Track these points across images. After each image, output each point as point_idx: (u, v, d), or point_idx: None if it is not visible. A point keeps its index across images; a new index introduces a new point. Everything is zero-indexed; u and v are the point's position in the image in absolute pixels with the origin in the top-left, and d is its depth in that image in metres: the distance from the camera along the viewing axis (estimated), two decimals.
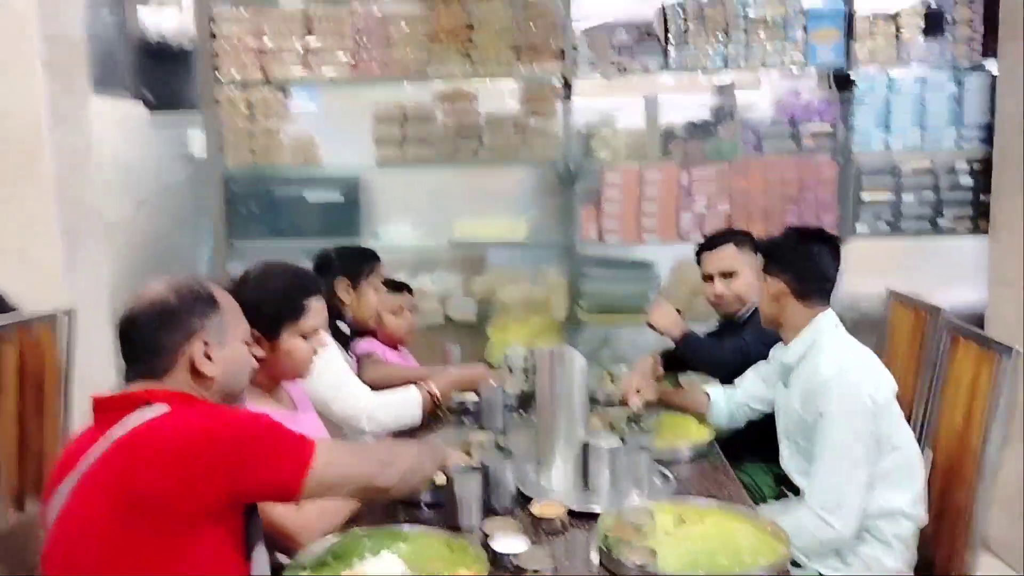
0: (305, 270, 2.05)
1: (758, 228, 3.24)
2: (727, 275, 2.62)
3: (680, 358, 2.74)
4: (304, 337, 1.87)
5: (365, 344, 2.73)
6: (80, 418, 2.79)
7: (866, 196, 3.59)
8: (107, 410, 1.38)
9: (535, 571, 1.44)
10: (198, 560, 1.32)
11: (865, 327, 3.23)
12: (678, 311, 2.68)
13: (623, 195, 3.62)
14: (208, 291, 1.49)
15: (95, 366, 3.01)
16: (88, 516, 1.31)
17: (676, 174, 3.61)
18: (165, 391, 1.40)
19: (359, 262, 2.59)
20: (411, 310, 2.91)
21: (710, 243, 2.69)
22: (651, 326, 2.67)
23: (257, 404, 1.77)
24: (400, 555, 1.55)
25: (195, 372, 1.44)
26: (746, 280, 2.59)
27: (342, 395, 2.19)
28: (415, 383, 2.41)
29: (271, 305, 1.84)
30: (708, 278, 2.66)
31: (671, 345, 2.80)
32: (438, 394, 2.41)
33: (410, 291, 2.94)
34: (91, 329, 3.05)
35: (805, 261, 2.11)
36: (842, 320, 2.16)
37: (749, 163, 3.59)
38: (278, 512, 1.60)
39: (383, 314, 2.77)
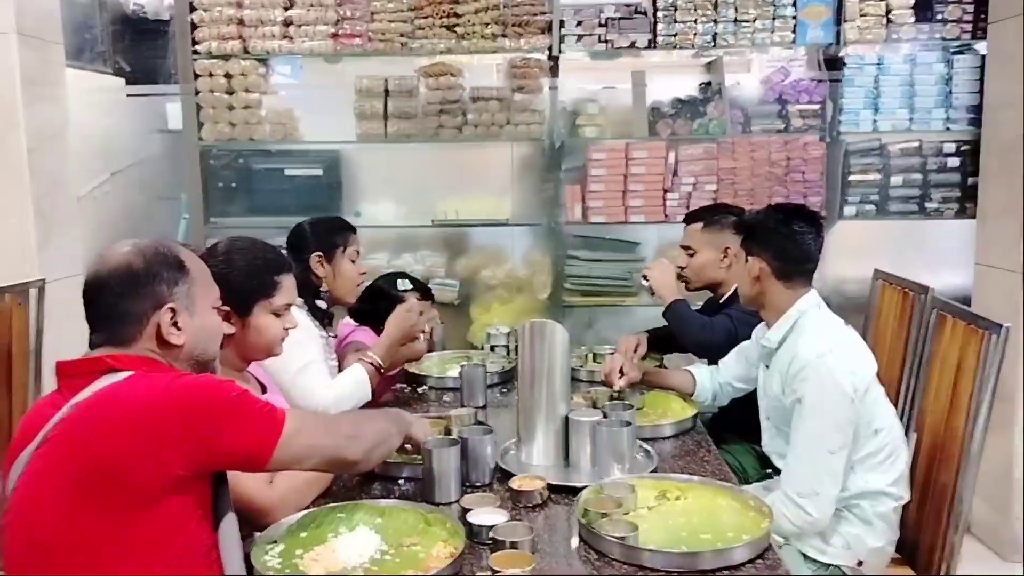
0: (274, 247, 1.99)
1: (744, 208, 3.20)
2: (688, 250, 2.67)
3: (664, 337, 2.71)
4: (276, 315, 1.82)
5: (359, 334, 2.63)
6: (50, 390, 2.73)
7: (854, 177, 3.56)
8: (71, 376, 1.34)
9: (513, 544, 1.40)
10: (163, 529, 1.27)
11: (851, 310, 3.20)
12: (680, 279, 2.66)
13: (609, 173, 3.58)
14: (176, 255, 1.42)
15: (68, 339, 2.94)
16: (49, 483, 1.26)
17: (663, 152, 3.57)
18: (131, 356, 1.35)
19: (332, 235, 2.50)
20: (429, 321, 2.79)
21: (687, 216, 2.77)
22: (645, 279, 2.67)
23: None
24: (376, 530, 1.51)
25: (161, 340, 1.38)
26: (702, 259, 2.64)
27: (304, 386, 2.10)
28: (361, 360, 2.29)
29: (242, 281, 1.78)
30: (682, 248, 2.72)
31: (657, 325, 2.77)
32: (379, 361, 2.27)
33: (432, 298, 2.86)
34: (64, 303, 2.99)
35: (787, 241, 2.04)
36: (829, 303, 2.12)
37: (737, 142, 3.55)
38: (249, 486, 1.55)
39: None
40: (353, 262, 2.51)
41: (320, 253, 2.43)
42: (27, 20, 3.04)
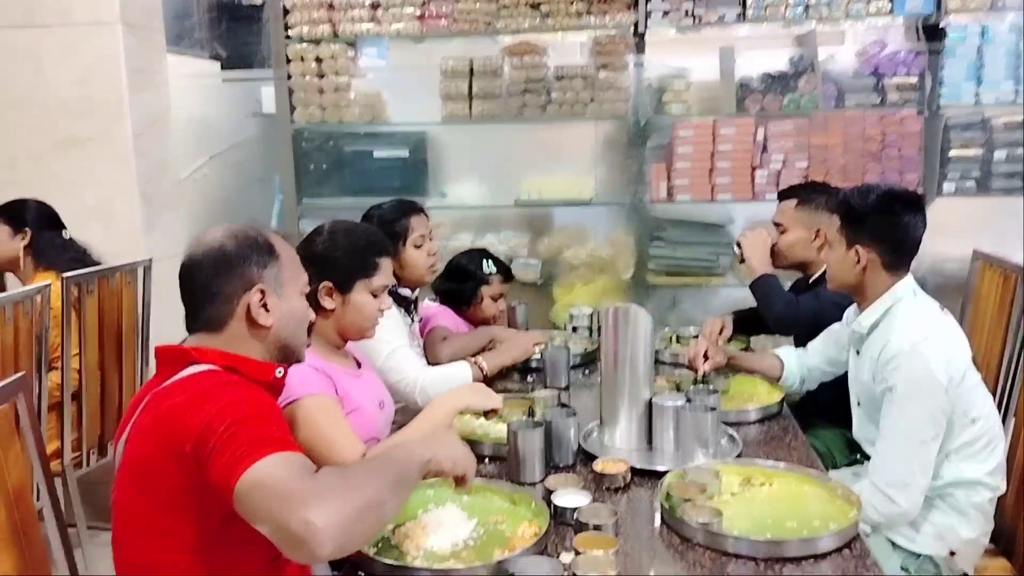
0: (375, 229, 2.07)
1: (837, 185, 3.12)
2: (779, 227, 2.60)
3: (750, 319, 2.68)
4: (373, 295, 1.88)
5: (440, 316, 2.68)
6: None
7: (954, 153, 3.41)
8: (162, 363, 1.39)
9: (596, 526, 1.43)
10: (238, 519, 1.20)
11: (950, 291, 3.09)
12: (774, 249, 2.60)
13: (695, 151, 3.52)
14: (266, 239, 1.46)
15: (171, 316, 3.09)
16: (137, 463, 1.32)
17: (752, 129, 3.49)
18: (215, 352, 1.37)
19: (391, 227, 2.35)
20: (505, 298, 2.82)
21: (780, 193, 2.69)
22: (738, 246, 2.64)
23: (324, 360, 1.80)
24: (462, 507, 1.56)
25: (251, 321, 1.41)
26: (793, 237, 2.56)
27: (397, 367, 2.18)
28: (466, 359, 2.38)
29: (344, 260, 1.86)
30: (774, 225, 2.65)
31: (743, 307, 2.74)
32: (487, 370, 2.36)
33: (512, 279, 2.88)
34: (168, 281, 3.14)
35: (900, 232, 1.95)
36: (925, 284, 2.04)
37: (829, 117, 3.45)
38: (342, 460, 1.61)
39: (484, 296, 2.74)
40: (418, 247, 2.42)
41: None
42: (131, 10, 3.19)
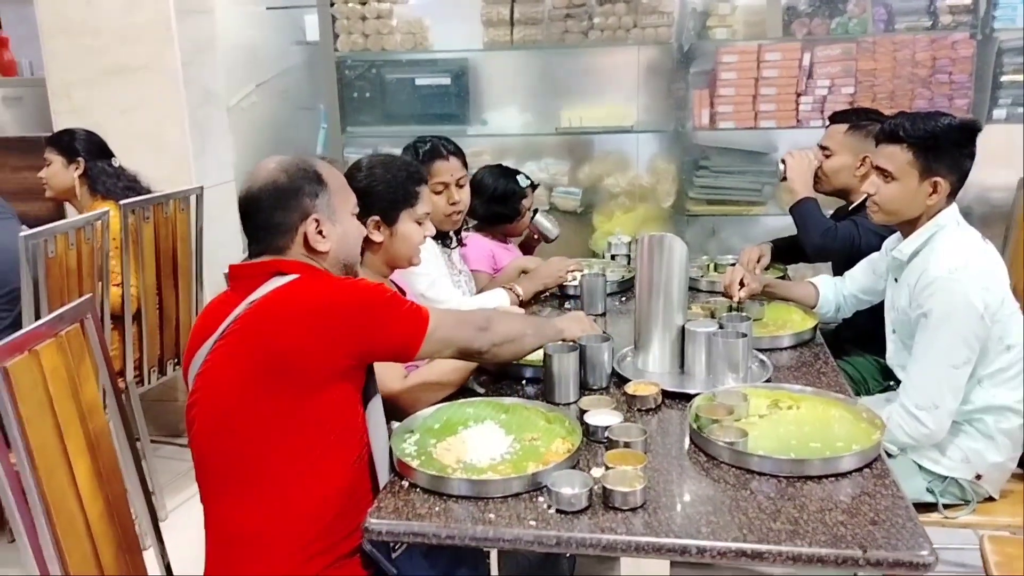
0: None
1: (884, 111, 3.06)
2: (826, 151, 2.58)
3: (788, 247, 2.69)
4: (418, 223, 1.96)
5: (478, 241, 2.75)
6: (211, 289, 3.02)
7: (1006, 78, 3.32)
8: (242, 278, 1.52)
9: (627, 444, 1.50)
10: (329, 411, 1.47)
11: (996, 219, 3.05)
12: (819, 176, 2.60)
13: (739, 77, 3.48)
14: (315, 169, 1.57)
15: (223, 242, 3.22)
16: (230, 370, 1.45)
17: (798, 54, 3.42)
18: (294, 262, 1.52)
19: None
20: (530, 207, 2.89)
21: (832, 116, 2.66)
22: (783, 163, 2.64)
23: None
24: (500, 424, 1.65)
25: (310, 247, 1.54)
26: (839, 162, 2.55)
27: (437, 298, 2.26)
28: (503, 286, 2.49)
29: (386, 193, 1.93)
30: (819, 148, 2.63)
31: (782, 235, 2.75)
32: (523, 295, 2.46)
33: (536, 187, 2.94)
34: (219, 207, 3.25)
35: (968, 161, 1.95)
36: (971, 213, 2.04)
37: (878, 42, 3.37)
38: (386, 384, 1.71)
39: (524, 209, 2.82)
40: (438, 193, 2.35)
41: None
42: None
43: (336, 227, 1.58)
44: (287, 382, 1.43)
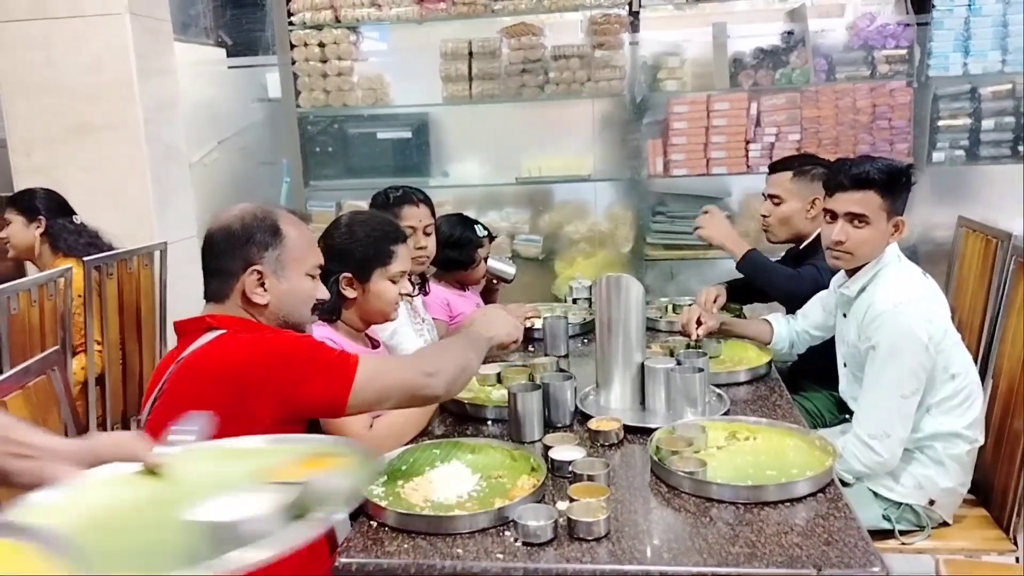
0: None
1: (828, 157, 3.20)
2: (775, 199, 2.65)
3: (744, 287, 2.77)
4: (392, 281, 1.99)
5: (460, 303, 2.78)
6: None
7: (943, 122, 3.50)
8: (182, 333, 1.52)
9: (590, 476, 1.54)
10: None
11: (940, 257, 3.18)
12: (764, 230, 2.66)
13: (690, 126, 3.61)
14: (274, 221, 1.55)
15: (187, 296, 3.21)
16: (170, 410, 1.39)
17: (745, 104, 3.58)
18: (227, 316, 1.51)
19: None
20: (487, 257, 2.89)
21: (772, 165, 2.73)
22: (701, 238, 2.69)
23: (345, 341, 1.92)
24: (467, 464, 1.68)
25: (246, 299, 1.53)
26: (789, 209, 2.61)
27: (398, 347, 2.24)
28: None
29: (362, 250, 1.97)
30: (765, 198, 2.70)
31: (738, 276, 2.83)
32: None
33: (493, 239, 2.96)
34: (181, 262, 3.27)
35: (908, 195, 2.06)
36: (916, 251, 2.14)
37: (821, 91, 3.54)
38: (352, 431, 1.73)
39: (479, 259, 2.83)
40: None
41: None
42: (138, 0, 3.29)
43: (281, 283, 1.54)
44: (226, 402, 1.39)
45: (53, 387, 1.56)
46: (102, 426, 2.86)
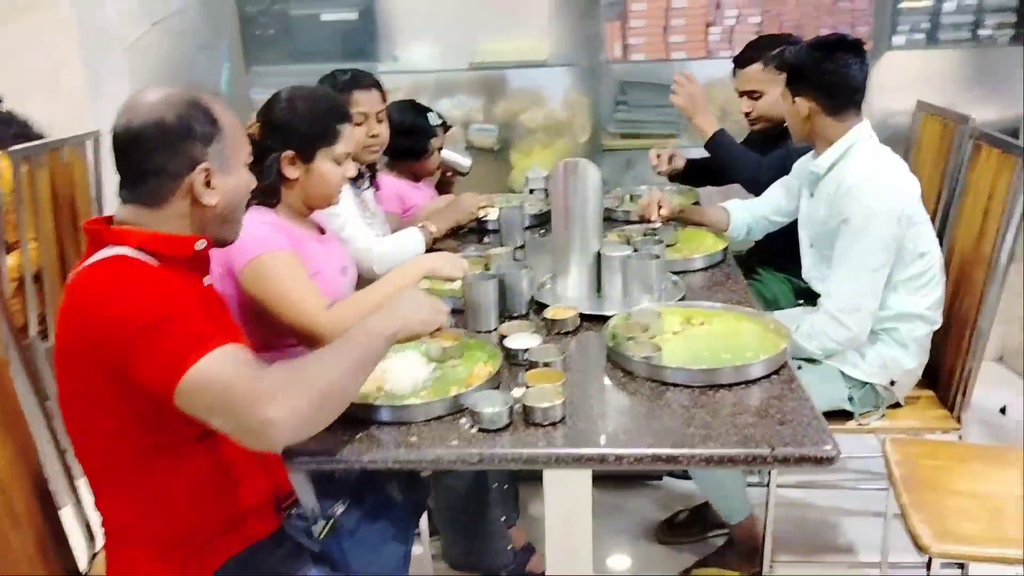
0: (335, 95, 2.03)
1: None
2: (752, 95, 2.58)
3: (700, 168, 2.73)
4: (336, 163, 1.87)
5: (385, 181, 2.67)
6: None
7: (904, 4, 3.41)
8: (89, 240, 1.33)
9: (546, 363, 1.52)
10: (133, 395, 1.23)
11: (898, 143, 3.15)
12: (756, 120, 2.60)
13: (649, 9, 3.48)
14: (208, 109, 1.34)
15: None
16: (62, 346, 1.31)
17: None
18: (133, 232, 1.31)
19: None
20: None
21: (738, 59, 2.63)
22: (676, 106, 2.63)
23: (290, 226, 1.84)
24: (421, 353, 1.65)
25: (195, 201, 1.33)
26: (770, 100, 2.52)
27: (351, 238, 2.18)
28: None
29: (306, 127, 1.83)
30: (740, 95, 2.62)
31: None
32: (435, 232, 2.41)
33: (448, 128, 2.86)
34: None
35: (833, 75, 2.02)
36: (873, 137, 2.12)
37: None
38: (307, 316, 1.69)
39: (433, 149, 2.75)
40: (358, 124, 2.19)
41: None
42: None
43: (228, 178, 1.35)
44: (83, 371, 1.26)
45: None
46: (42, 325, 2.76)
